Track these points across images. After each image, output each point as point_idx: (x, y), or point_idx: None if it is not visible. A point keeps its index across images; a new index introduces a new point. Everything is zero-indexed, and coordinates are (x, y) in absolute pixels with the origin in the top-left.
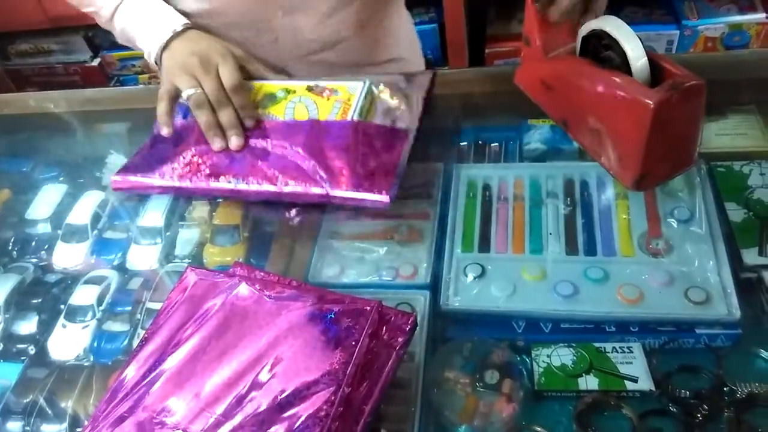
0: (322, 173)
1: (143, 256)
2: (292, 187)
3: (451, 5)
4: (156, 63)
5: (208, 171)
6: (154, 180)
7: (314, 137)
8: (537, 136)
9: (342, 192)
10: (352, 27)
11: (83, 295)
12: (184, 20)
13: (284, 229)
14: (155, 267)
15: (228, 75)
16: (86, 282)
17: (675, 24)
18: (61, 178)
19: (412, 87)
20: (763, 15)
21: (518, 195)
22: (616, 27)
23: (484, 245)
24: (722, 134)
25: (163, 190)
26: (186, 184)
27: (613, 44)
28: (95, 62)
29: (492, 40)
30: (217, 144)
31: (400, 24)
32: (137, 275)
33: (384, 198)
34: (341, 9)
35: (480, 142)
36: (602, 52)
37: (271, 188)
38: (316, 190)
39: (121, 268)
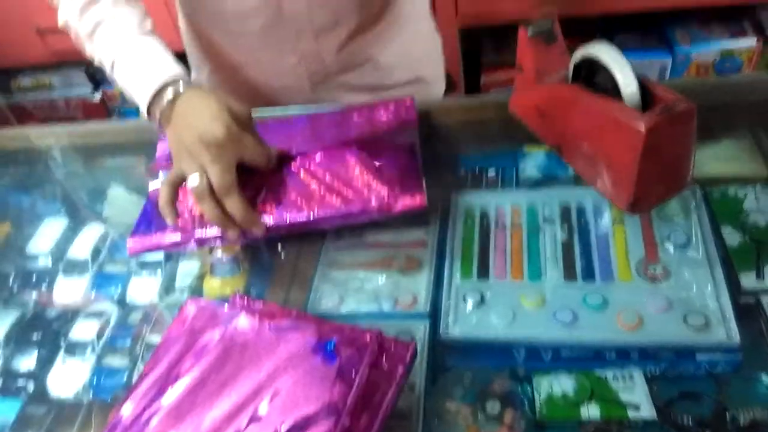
0: (350, 192)
1: (143, 290)
2: (322, 212)
3: (446, 34)
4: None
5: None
6: (176, 236)
7: (330, 161)
8: (533, 162)
9: (377, 203)
10: (373, 50)
11: (83, 330)
12: (176, 75)
13: (284, 259)
14: (155, 300)
15: (255, 153)
16: (86, 316)
17: (667, 50)
18: (62, 212)
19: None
20: (754, 40)
21: (516, 221)
22: (606, 53)
23: (483, 272)
24: (716, 159)
25: (185, 243)
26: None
27: (604, 70)
28: (96, 97)
29: (488, 68)
30: (232, 235)
31: (425, 46)
32: (137, 309)
33: (421, 200)
34: (364, 32)
35: (477, 169)
36: (594, 78)
37: (304, 218)
38: (353, 208)
39: (122, 302)
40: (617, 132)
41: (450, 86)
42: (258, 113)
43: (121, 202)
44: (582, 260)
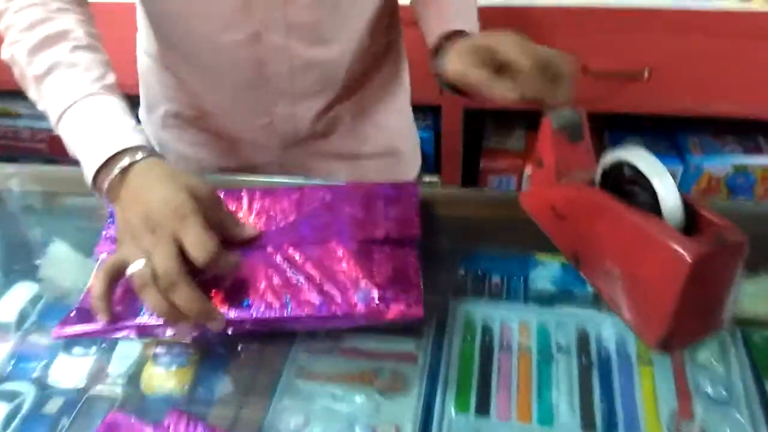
0: (336, 290)
1: (69, 372)
2: (298, 311)
3: (449, 114)
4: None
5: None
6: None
7: (313, 247)
8: (545, 273)
9: (365, 307)
10: (350, 119)
11: None
12: (135, 143)
13: (242, 356)
14: (81, 386)
15: (195, 243)
16: None
17: (678, 158)
18: None
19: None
20: None
21: (523, 344)
22: (644, 160)
23: (483, 406)
24: (758, 297)
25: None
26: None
27: (639, 178)
28: None
29: (488, 154)
30: (183, 329)
31: (399, 119)
32: (58, 395)
33: (417, 311)
34: (343, 100)
35: (480, 272)
36: (625, 185)
37: (274, 314)
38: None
39: (42, 383)
40: (655, 255)
41: (432, 167)
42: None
43: (63, 263)
44: (603, 405)
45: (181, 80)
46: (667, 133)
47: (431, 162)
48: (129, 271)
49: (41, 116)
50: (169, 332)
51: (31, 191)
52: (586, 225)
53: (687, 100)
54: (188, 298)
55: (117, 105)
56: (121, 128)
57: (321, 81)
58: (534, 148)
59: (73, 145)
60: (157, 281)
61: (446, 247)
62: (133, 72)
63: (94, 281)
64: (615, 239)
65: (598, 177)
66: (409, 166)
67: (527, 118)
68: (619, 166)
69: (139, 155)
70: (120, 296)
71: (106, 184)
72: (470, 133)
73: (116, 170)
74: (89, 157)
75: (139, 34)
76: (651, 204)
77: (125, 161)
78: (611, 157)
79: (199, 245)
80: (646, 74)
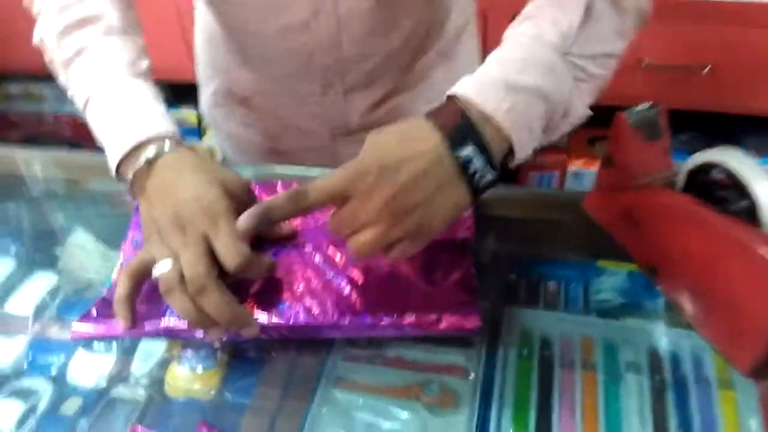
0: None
1: (89, 369)
2: (339, 318)
3: None
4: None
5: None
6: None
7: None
8: (609, 282)
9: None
10: (406, 112)
11: (1, 414)
12: (164, 132)
13: (276, 361)
14: (102, 386)
15: (226, 247)
16: (9, 395)
17: None
18: (10, 252)
19: None
20: None
21: (587, 361)
22: (739, 162)
23: (544, 428)
24: None
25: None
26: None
27: (733, 183)
28: None
29: None
30: (213, 335)
31: None
32: (77, 394)
33: (474, 322)
34: (399, 93)
35: (533, 279)
36: (715, 190)
37: (312, 321)
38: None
39: (59, 381)
40: (751, 269)
41: None
42: (275, 171)
43: (84, 252)
44: (679, 430)
45: (233, 61)
46: (723, 133)
47: None
48: (155, 272)
49: (66, 100)
50: (197, 335)
51: (53, 176)
52: (666, 233)
53: (745, 97)
54: (218, 303)
55: (147, 91)
56: (148, 115)
57: (373, 73)
58: (578, 144)
59: (98, 132)
60: (185, 285)
61: (496, 251)
62: (174, 57)
63: (118, 282)
64: (703, 250)
65: (681, 180)
66: None
67: None
68: (706, 169)
69: (167, 145)
70: (145, 295)
71: (130, 175)
72: None
73: (142, 160)
74: (113, 145)
75: (197, 10)
76: (747, 211)
77: (151, 151)
78: (700, 158)
79: (231, 250)
80: (706, 70)
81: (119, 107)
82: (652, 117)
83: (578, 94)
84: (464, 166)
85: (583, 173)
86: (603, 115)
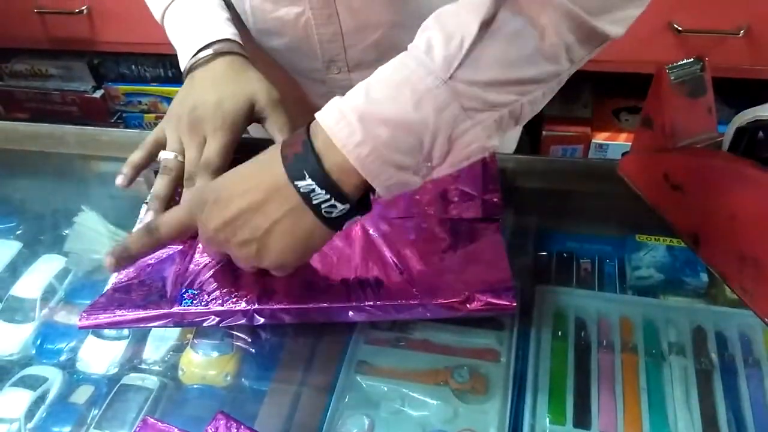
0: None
1: (100, 356)
2: (364, 298)
3: None
4: None
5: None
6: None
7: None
8: (648, 258)
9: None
10: None
11: (9, 403)
12: (224, 36)
13: (294, 344)
14: (114, 372)
15: (204, 160)
16: (16, 383)
17: None
18: (16, 233)
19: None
20: None
21: (627, 342)
22: None
23: (583, 417)
24: None
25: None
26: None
27: None
28: (97, 94)
29: (550, 121)
30: (149, 215)
31: None
32: (88, 382)
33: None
34: None
35: (565, 254)
36: (764, 151)
37: (334, 303)
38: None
39: (69, 368)
40: None
41: None
42: None
43: (93, 234)
44: (729, 417)
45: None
46: (760, 98)
47: None
48: (161, 155)
49: (71, 77)
50: (208, 323)
51: (61, 153)
52: (711, 198)
53: None
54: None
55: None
56: (214, 22)
57: (378, 48)
58: (602, 115)
59: (173, 40)
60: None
61: (525, 225)
62: None
63: (137, 149)
64: (753, 215)
65: (728, 140)
66: None
67: (594, 82)
68: (755, 128)
69: (226, 46)
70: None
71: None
72: None
73: (202, 59)
74: (184, 50)
75: None
76: None
77: (210, 50)
78: (750, 114)
79: (207, 159)
80: (741, 33)
81: (190, 16)
82: (696, 72)
83: (471, 123)
84: (307, 195)
85: (608, 145)
86: (628, 84)
